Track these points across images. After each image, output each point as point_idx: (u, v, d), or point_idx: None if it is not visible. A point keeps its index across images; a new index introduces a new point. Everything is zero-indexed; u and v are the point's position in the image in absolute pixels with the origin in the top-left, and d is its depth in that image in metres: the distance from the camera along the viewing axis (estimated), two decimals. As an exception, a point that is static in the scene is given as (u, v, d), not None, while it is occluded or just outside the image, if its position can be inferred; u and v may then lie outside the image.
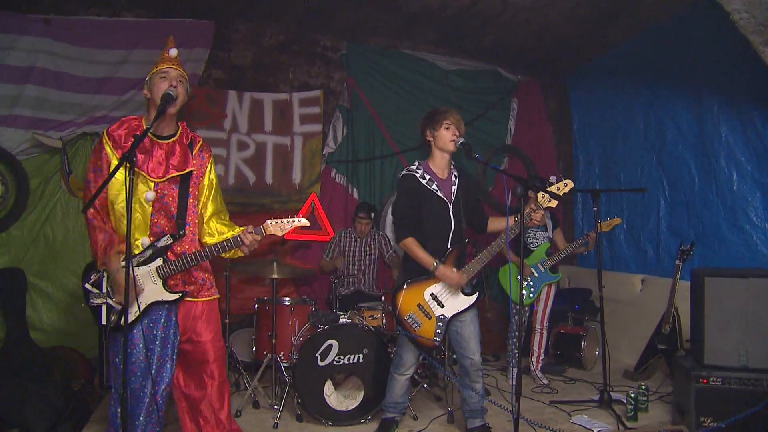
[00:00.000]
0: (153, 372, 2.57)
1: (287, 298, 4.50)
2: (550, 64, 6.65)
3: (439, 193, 3.37)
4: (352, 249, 5.40)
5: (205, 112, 5.65)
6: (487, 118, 6.61)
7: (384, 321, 4.23)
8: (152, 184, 2.72)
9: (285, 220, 2.77)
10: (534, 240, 5.05)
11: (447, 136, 3.37)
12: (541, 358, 5.08)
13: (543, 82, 6.92)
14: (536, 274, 4.86)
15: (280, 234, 2.78)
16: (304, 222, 2.79)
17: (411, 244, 3.32)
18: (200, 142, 2.92)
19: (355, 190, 6.16)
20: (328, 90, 6.13)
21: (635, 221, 5.73)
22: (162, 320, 2.67)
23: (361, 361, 3.89)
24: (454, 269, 3.32)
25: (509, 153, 6.75)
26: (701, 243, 4.91)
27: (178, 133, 2.86)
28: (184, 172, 2.77)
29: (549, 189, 3.19)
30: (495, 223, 3.53)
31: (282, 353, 4.28)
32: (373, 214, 5.41)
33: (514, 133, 6.81)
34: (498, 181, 6.49)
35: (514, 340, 4.61)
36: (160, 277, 2.70)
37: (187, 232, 2.79)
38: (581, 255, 6.33)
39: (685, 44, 5.13)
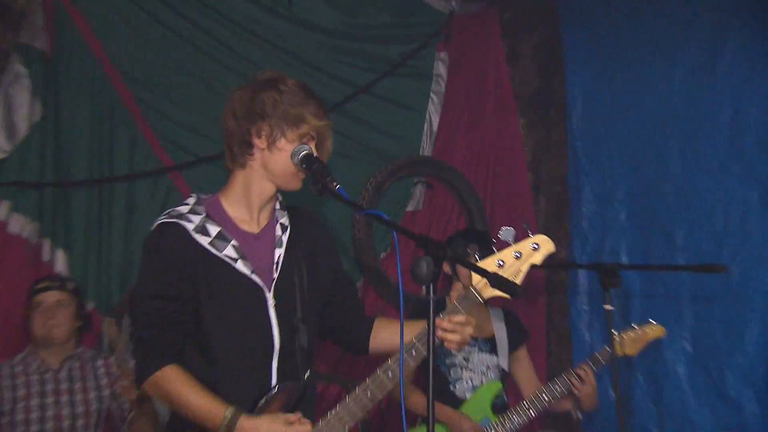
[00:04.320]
0: None
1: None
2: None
3: (240, 266, 2.16)
4: (31, 389, 3.69)
5: None
6: (378, 96, 4.60)
7: None
8: None
9: None
10: (466, 375, 3.57)
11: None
12: None
13: (510, 15, 5.14)
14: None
15: None
16: None
17: (168, 382, 2.11)
18: None
19: (58, 252, 3.87)
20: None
21: (713, 334, 4.20)
22: None
23: None
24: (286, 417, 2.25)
25: (427, 174, 4.71)
26: None
27: None
28: None
29: (492, 259, 2.26)
30: (385, 332, 2.40)
31: None
32: (69, 285, 3.62)
33: (438, 130, 4.76)
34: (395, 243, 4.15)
35: None
36: None
37: None
38: (586, 415, 4.32)
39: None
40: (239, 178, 2.10)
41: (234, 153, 2.07)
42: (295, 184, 2.08)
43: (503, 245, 2.21)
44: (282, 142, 1.98)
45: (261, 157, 2.03)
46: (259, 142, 2.00)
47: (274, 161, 2.02)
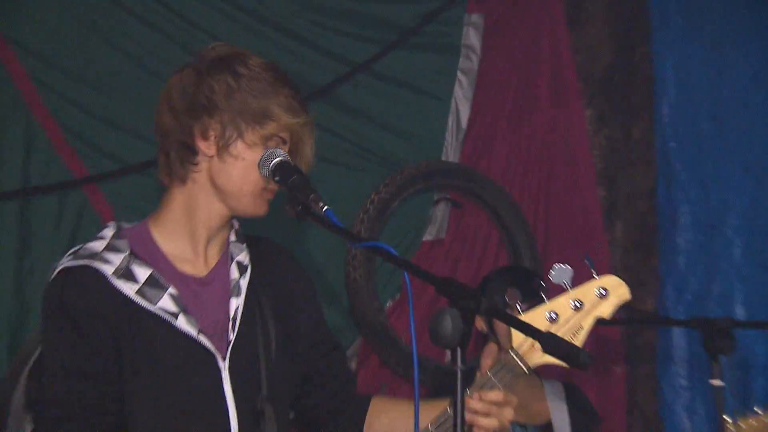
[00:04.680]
0: None
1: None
2: None
3: (182, 324, 2.09)
4: None
5: None
6: (383, 77, 4.06)
7: None
8: None
9: None
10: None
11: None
12: None
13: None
14: None
15: None
16: None
17: None
18: None
19: None
20: None
21: None
22: None
23: None
24: None
25: (453, 188, 4.20)
26: None
27: None
28: None
29: (540, 310, 2.02)
30: (388, 417, 2.29)
31: None
32: None
33: (468, 125, 4.22)
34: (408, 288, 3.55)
35: None
36: None
37: None
38: None
39: None
40: (178, 197, 1.94)
41: (171, 162, 1.91)
42: (257, 206, 1.91)
43: (556, 290, 1.93)
44: (238, 147, 1.84)
45: (208, 168, 1.90)
46: (206, 147, 1.86)
47: (227, 174, 1.89)
